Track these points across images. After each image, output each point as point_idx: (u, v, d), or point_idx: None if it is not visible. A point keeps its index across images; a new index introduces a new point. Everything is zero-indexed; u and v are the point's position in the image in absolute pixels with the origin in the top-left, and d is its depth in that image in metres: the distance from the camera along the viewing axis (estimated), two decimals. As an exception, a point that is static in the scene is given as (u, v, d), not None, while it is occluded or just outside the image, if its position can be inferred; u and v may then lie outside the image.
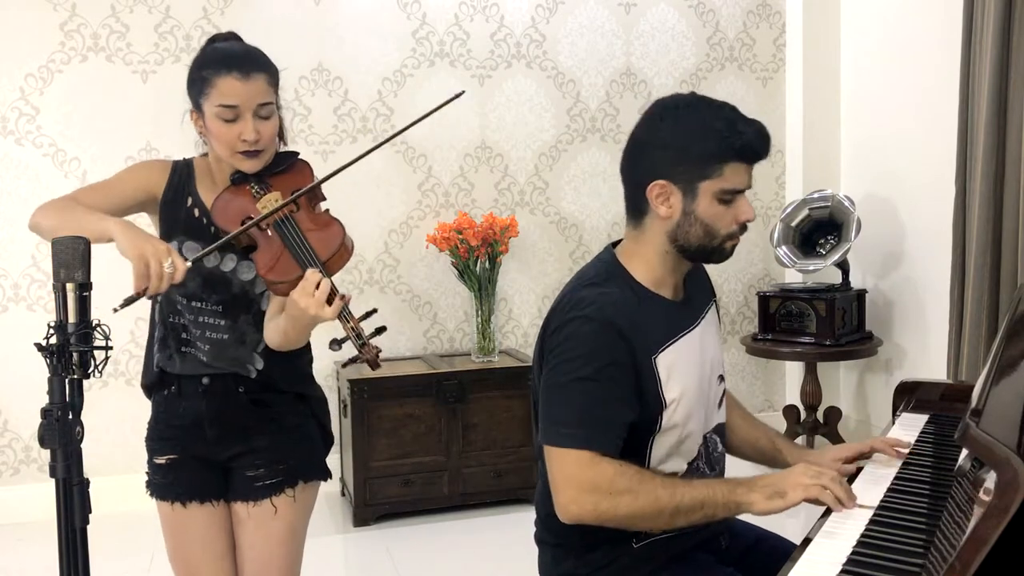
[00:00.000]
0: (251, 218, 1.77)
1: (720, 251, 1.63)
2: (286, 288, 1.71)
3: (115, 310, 1.61)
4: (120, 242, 1.64)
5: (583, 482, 1.50)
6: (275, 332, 1.82)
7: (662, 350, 1.61)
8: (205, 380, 1.88)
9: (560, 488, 1.52)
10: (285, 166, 1.89)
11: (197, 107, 1.83)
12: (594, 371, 1.53)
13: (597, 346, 1.54)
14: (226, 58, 1.78)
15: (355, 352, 1.69)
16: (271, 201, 1.80)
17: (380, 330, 1.71)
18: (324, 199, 1.91)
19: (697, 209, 1.58)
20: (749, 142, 1.56)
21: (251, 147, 1.78)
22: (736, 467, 1.77)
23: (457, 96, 1.83)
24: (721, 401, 1.78)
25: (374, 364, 1.68)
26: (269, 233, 1.77)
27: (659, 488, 1.50)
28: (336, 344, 1.70)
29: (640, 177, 1.61)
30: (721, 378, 1.77)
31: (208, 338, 1.86)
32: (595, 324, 1.54)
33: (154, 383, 1.93)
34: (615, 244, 1.72)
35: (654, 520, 1.52)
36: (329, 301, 1.66)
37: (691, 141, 1.56)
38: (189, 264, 1.65)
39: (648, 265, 1.65)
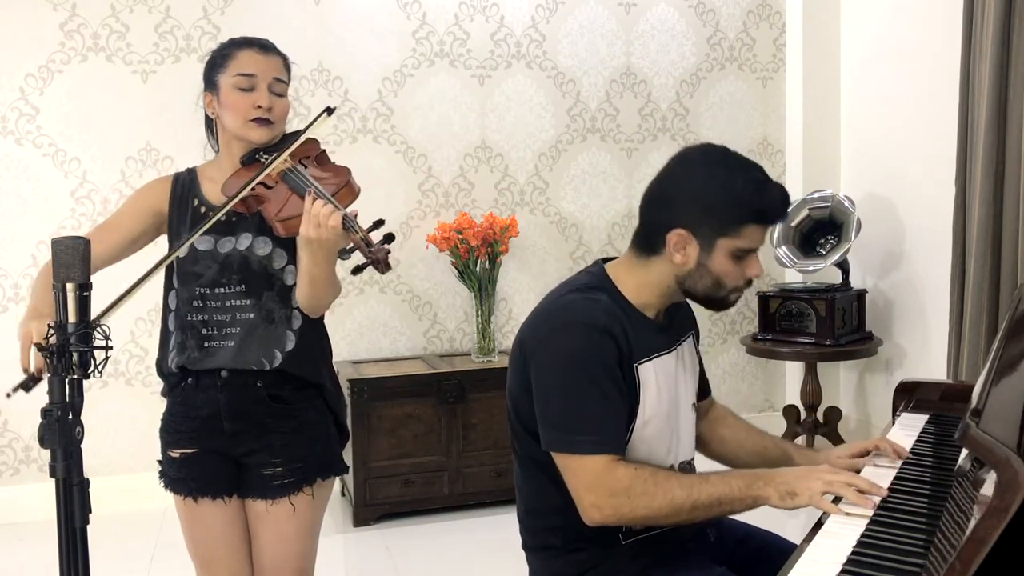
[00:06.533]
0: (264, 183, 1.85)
1: (724, 301, 1.69)
2: (296, 224, 1.77)
3: (8, 395, 1.60)
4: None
5: (602, 488, 1.54)
6: (301, 284, 1.84)
7: (642, 362, 1.64)
8: (224, 373, 1.88)
9: (581, 495, 1.56)
10: (292, 142, 1.95)
11: (212, 85, 1.90)
12: (591, 375, 1.57)
13: (591, 349, 1.57)
14: (246, 38, 1.92)
15: (363, 260, 1.73)
16: (276, 158, 1.87)
17: (389, 237, 1.74)
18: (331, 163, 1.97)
19: (711, 263, 1.63)
20: (772, 207, 1.62)
21: (264, 114, 1.86)
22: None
23: (327, 112, 1.86)
24: (693, 432, 1.80)
25: (384, 265, 1.72)
26: (278, 186, 1.84)
27: (675, 488, 1.54)
28: (345, 253, 1.75)
29: (663, 221, 1.65)
30: (694, 407, 1.80)
31: (239, 320, 1.87)
32: (586, 328, 1.58)
33: (173, 383, 1.94)
34: (605, 260, 1.76)
35: (673, 518, 1.56)
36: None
37: (718, 200, 1.61)
38: None
39: (639, 288, 1.69)
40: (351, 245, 1.76)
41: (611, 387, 1.57)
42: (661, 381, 1.67)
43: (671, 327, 1.76)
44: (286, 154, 1.85)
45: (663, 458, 1.69)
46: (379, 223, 1.78)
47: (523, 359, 1.65)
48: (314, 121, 1.85)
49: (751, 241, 1.62)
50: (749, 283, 1.68)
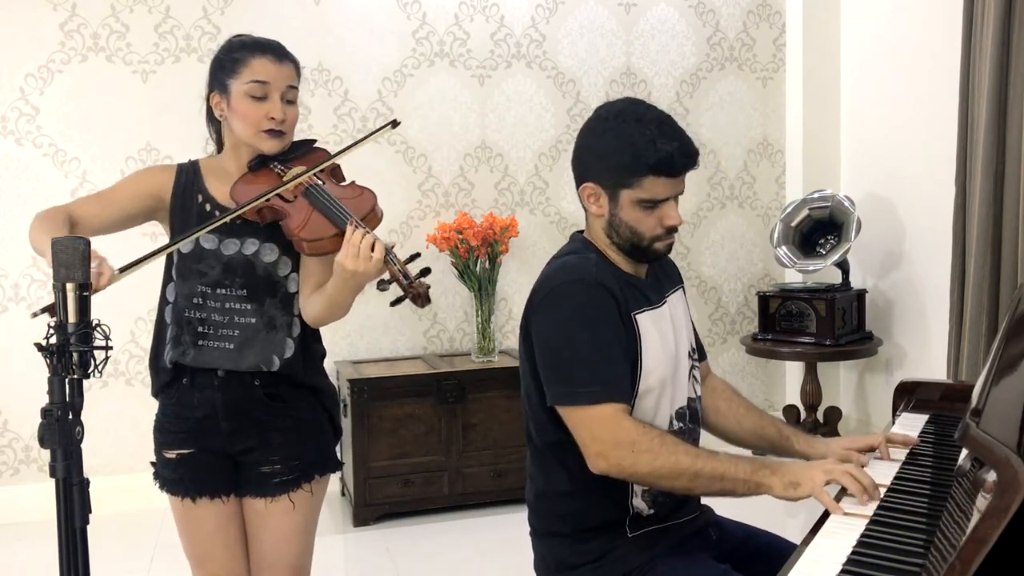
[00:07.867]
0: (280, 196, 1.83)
1: (652, 251, 1.72)
2: (324, 245, 1.77)
3: (34, 314, 1.63)
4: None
5: (608, 438, 1.57)
6: (318, 304, 1.85)
7: (638, 312, 1.69)
8: (220, 373, 1.88)
9: (587, 444, 1.59)
10: (303, 151, 1.95)
11: (223, 88, 1.87)
12: (591, 327, 1.61)
13: (589, 302, 1.63)
14: (259, 43, 1.88)
15: (401, 292, 1.75)
16: (296, 173, 1.86)
17: (425, 271, 1.77)
18: (345, 180, 1.97)
19: (621, 213, 1.69)
20: (664, 159, 1.63)
21: (277, 126, 1.85)
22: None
23: (391, 125, 1.92)
24: (693, 377, 1.82)
25: (424, 299, 1.74)
26: (297, 201, 1.83)
27: (681, 453, 1.56)
28: (384, 284, 1.76)
29: (577, 177, 1.75)
30: (691, 355, 1.82)
31: (237, 323, 1.87)
32: (583, 283, 1.64)
33: (167, 381, 1.93)
34: (582, 232, 1.82)
35: (673, 481, 1.57)
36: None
37: (612, 152, 1.66)
38: (116, 272, 1.63)
39: (607, 249, 1.75)
40: (388, 277, 1.76)
41: (611, 338, 1.61)
42: (654, 332, 1.70)
43: (656, 282, 1.80)
44: (314, 170, 1.84)
45: (668, 407, 1.71)
46: (415, 256, 1.80)
47: (527, 329, 1.69)
48: (377, 131, 1.88)
49: (653, 192, 1.66)
50: (673, 230, 1.71)
